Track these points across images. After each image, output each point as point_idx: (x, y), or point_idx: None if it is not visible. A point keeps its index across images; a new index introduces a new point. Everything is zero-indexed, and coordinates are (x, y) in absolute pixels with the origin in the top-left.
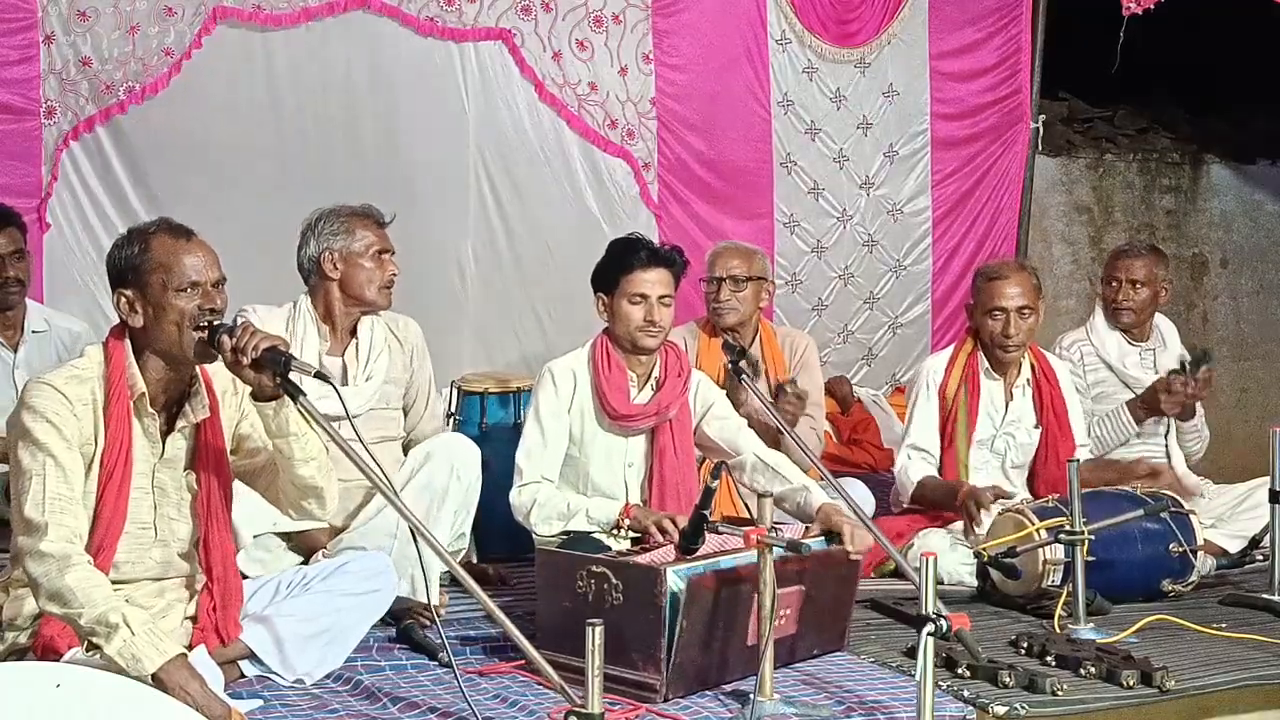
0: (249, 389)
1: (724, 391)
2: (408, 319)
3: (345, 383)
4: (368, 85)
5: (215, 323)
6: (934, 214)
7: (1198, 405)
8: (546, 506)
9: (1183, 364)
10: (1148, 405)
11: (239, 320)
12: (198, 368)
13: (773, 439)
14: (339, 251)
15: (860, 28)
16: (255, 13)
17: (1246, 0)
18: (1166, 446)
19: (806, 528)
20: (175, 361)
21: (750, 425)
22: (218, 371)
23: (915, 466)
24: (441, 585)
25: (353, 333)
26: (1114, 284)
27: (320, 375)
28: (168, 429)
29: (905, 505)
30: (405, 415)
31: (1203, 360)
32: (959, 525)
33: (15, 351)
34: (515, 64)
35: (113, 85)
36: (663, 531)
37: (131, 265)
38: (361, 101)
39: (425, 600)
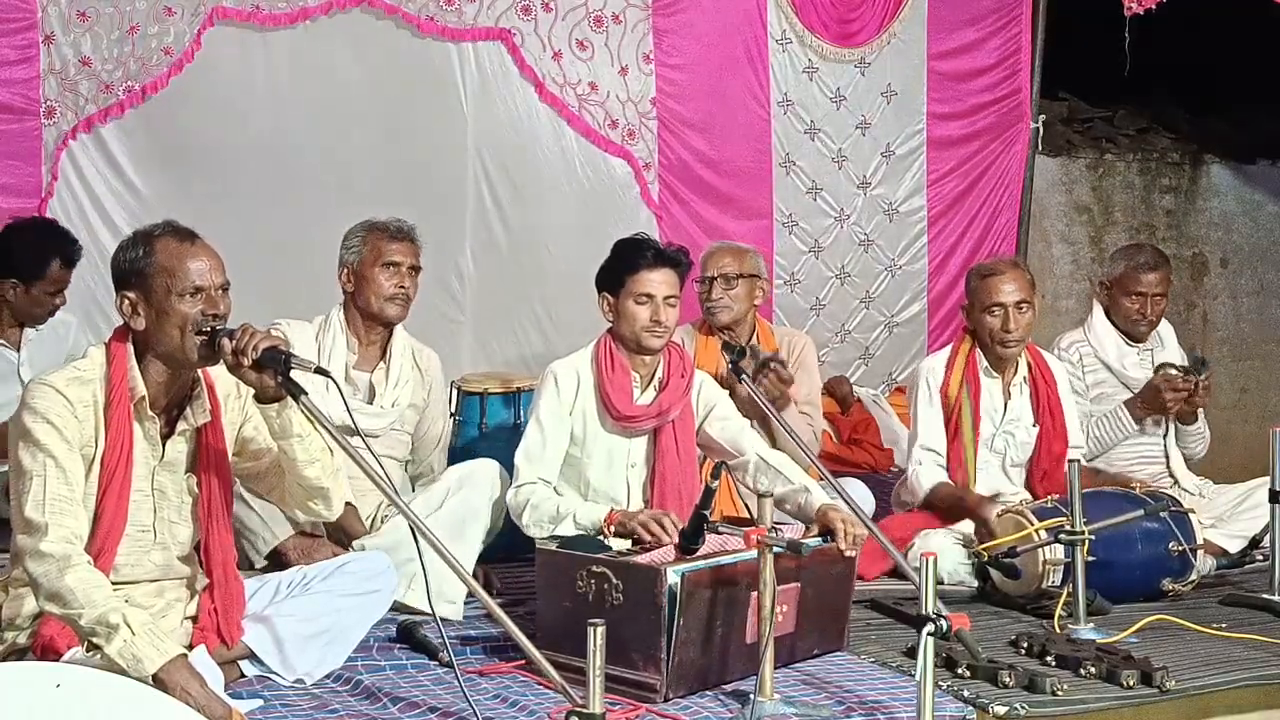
0: (252, 391)
1: (727, 392)
2: (431, 352)
3: (371, 402)
4: (367, 85)
5: (216, 326)
6: (929, 213)
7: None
8: (539, 509)
9: (1184, 369)
10: (1147, 403)
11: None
12: (200, 371)
13: (766, 433)
14: (350, 266)
15: (861, 27)
16: (254, 12)
17: (1246, 0)
18: (1165, 447)
19: (806, 528)
20: (177, 365)
21: (750, 418)
22: (220, 375)
23: (927, 471)
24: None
25: (383, 353)
26: (1136, 298)
27: (320, 370)
28: (168, 432)
29: (917, 506)
30: (413, 442)
31: (1200, 367)
32: (959, 526)
33: (19, 350)
34: (515, 64)
35: (112, 85)
36: (649, 531)
37: (136, 268)
38: (361, 101)
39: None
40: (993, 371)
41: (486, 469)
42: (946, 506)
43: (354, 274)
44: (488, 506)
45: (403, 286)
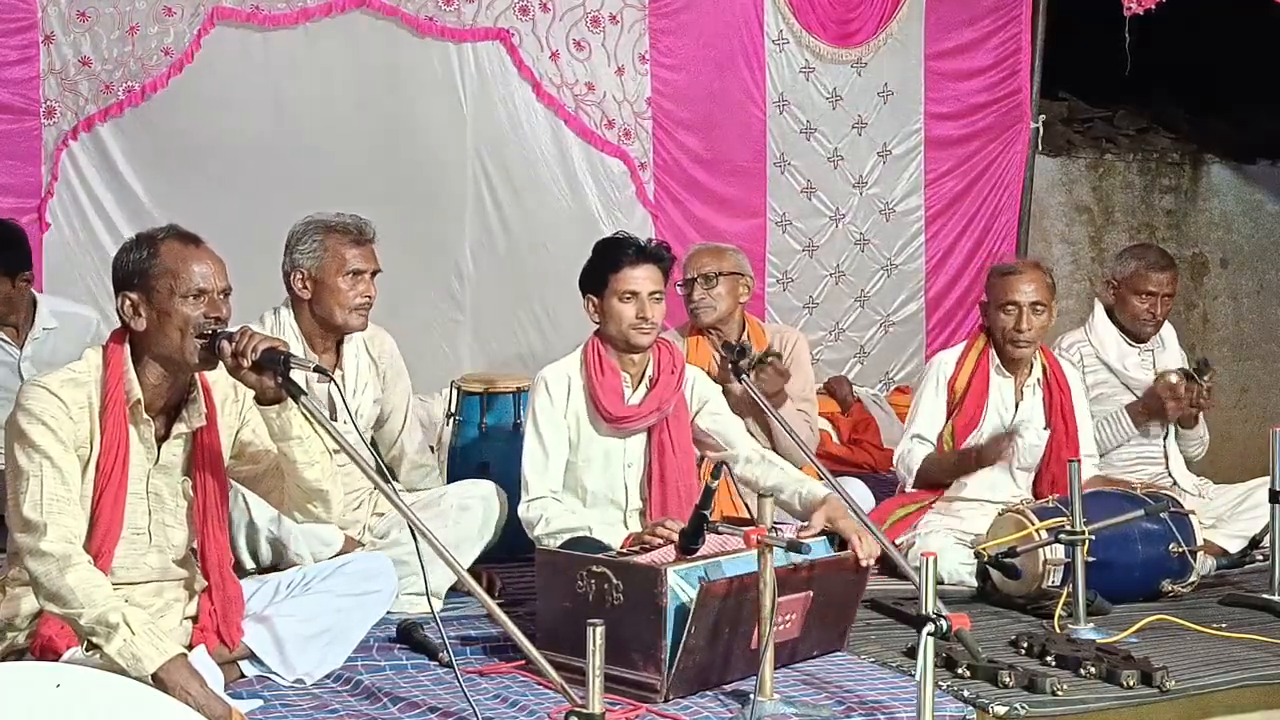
0: (251, 395)
1: (720, 389)
2: (384, 335)
3: (334, 417)
4: (366, 85)
5: (217, 329)
6: (927, 213)
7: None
8: (551, 524)
9: (1187, 373)
10: (1149, 409)
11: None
12: (196, 375)
13: (764, 432)
14: (308, 270)
15: (860, 27)
16: (254, 13)
17: (1246, 0)
18: (1164, 449)
19: (802, 525)
20: (175, 367)
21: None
22: (218, 379)
23: (916, 452)
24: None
25: (337, 356)
26: (1146, 297)
27: (320, 369)
28: (164, 435)
29: (908, 490)
30: (379, 428)
31: (1203, 370)
32: (954, 519)
33: (22, 348)
34: (513, 64)
35: (112, 85)
36: (658, 536)
37: (139, 269)
38: (360, 101)
39: (428, 605)
40: (1005, 371)
41: (483, 495)
42: (941, 470)
43: (312, 280)
44: (486, 529)
45: (368, 295)
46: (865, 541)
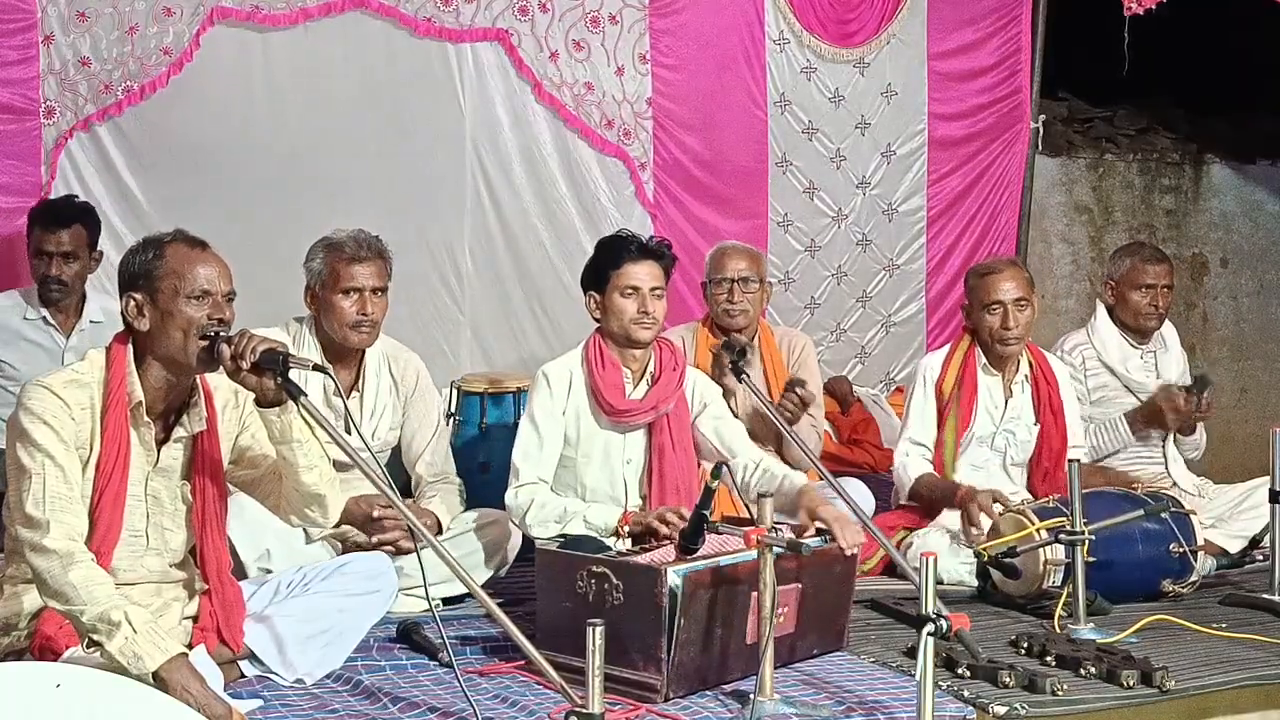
0: (251, 399)
1: (721, 391)
2: (409, 356)
3: (350, 431)
4: (365, 86)
5: (219, 331)
6: (928, 213)
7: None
8: (545, 509)
9: (1186, 389)
10: (1147, 419)
11: None
12: (198, 379)
13: (772, 436)
14: (313, 289)
15: (860, 28)
16: (253, 13)
17: (1246, 0)
18: (1164, 452)
19: (797, 522)
20: (177, 369)
21: (751, 422)
22: (219, 384)
23: (913, 463)
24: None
25: (358, 375)
26: (1146, 290)
27: (319, 368)
28: (164, 438)
29: (903, 501)
30: (403, 448)
31: (1202, 386)
32: (950, 521)
33: (68, 338)
34: (512, 64)
35: (111, 85)
36: (665, 523)
37: (145, 270)
38: (359, 102)
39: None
40: (992, 369)
41: (497, 522)
42: (930, 497)
43: (315, 297)
44: (495, 562)
45: (365, 313)
46: (848, 530)
